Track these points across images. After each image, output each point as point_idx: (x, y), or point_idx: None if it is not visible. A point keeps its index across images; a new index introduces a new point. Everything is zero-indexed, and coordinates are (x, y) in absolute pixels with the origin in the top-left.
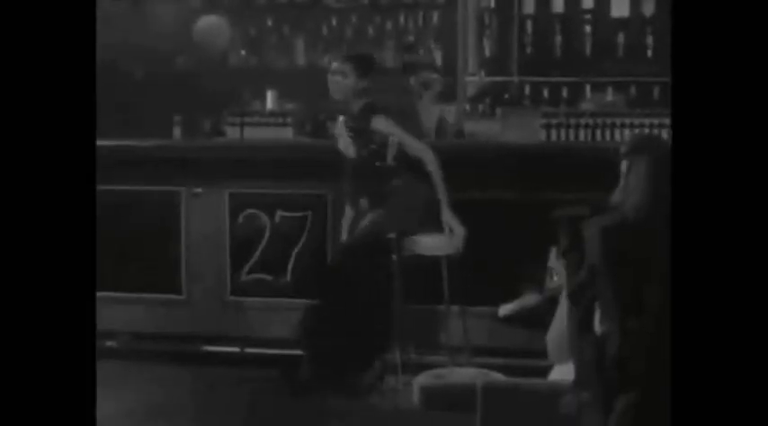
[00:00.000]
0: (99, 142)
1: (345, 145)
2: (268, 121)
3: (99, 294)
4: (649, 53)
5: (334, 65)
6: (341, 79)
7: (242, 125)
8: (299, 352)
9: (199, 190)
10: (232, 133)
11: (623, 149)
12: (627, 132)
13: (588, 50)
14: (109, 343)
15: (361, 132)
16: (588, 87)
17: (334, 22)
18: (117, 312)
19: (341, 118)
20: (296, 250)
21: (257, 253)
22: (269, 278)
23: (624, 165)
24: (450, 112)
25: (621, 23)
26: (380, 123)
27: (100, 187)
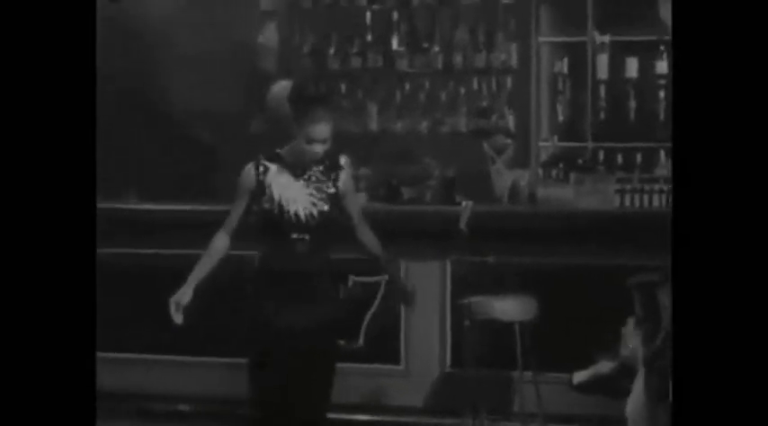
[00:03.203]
0: (170, 206)
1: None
2: None
3: (169, 357)
4: None
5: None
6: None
7: None
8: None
9: None
10: None
11: None
12: None
13: (662, 115)
14: (181, 407)
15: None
16: (663, 152)
17: (407, 87)
18: (190, 375)
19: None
20: (369, 315)
21: None
22: (342, 342)
23: None
24: (524, 177)
25: None
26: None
27: (168, 251)
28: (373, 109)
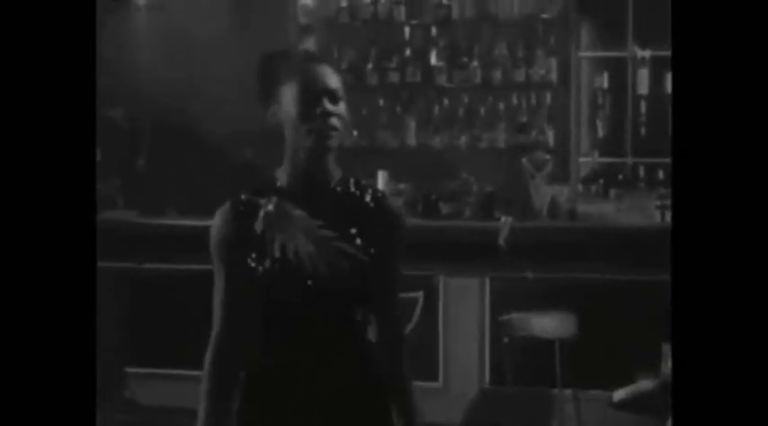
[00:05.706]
0: (207, 222)
1: None
2: None
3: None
4: None
5: None
6: None
7: None
8: None
9: None
10: None
11: None
12: None
13: None
14: None
15: None
16: None
17: (445, 102)
18: None
19: None
20: (407, 331)
21: None
22: None
23: None
24: (563, 193)
25: None
26: None
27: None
28: (411, 124)
